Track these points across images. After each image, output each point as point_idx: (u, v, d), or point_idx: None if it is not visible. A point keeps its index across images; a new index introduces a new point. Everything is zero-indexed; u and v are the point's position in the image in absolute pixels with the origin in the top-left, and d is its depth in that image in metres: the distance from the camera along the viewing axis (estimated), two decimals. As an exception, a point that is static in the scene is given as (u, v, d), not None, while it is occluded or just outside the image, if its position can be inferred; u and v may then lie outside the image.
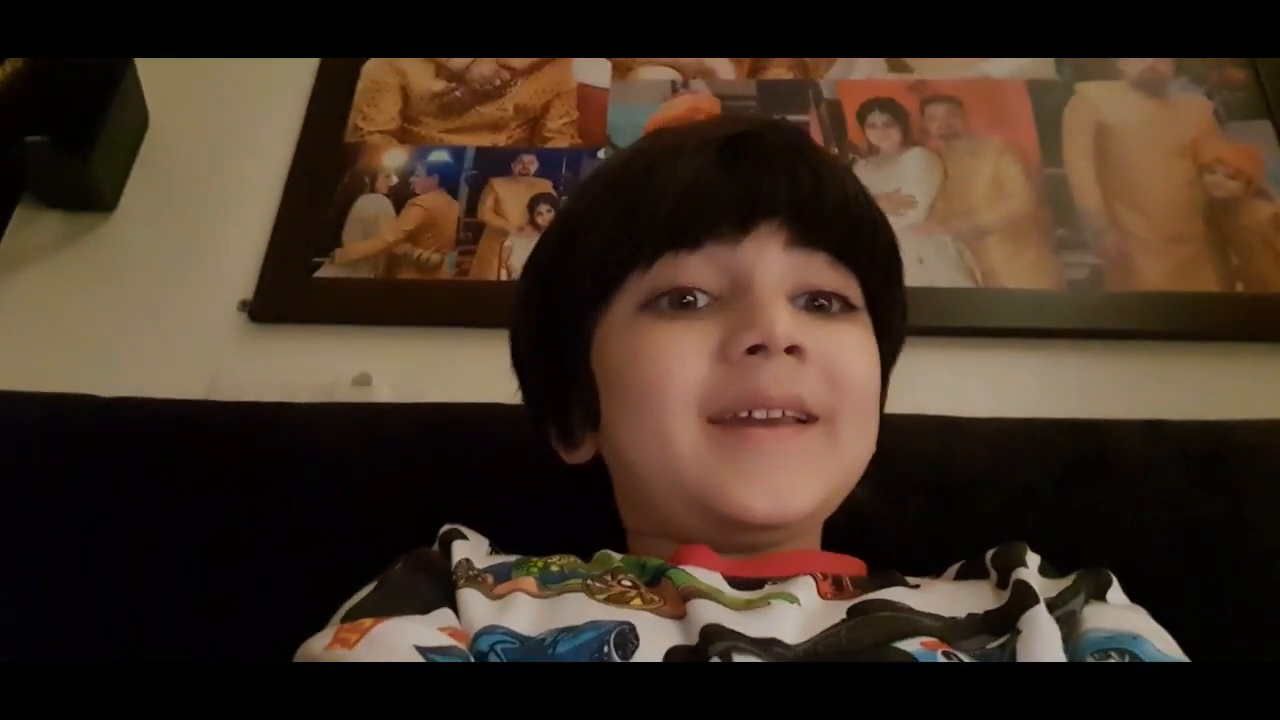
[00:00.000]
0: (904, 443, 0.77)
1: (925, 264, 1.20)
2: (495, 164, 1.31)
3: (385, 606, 0.53)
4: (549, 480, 0.67)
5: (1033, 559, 0.59)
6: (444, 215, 1.27)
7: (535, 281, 0.66)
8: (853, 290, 0.61)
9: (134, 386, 0.83)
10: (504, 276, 1.22)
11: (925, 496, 0.75)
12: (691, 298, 0.58)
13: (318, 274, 1.24)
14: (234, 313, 1.22)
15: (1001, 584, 0.57)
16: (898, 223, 1.21)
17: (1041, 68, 1.34)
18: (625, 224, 0.59)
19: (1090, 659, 0.51)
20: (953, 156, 1.28)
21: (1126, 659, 0.51)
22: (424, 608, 0.53)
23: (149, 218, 1.31)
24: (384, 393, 1.12)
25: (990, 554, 0.61)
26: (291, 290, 1.23)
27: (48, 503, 0.77)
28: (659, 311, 0.58)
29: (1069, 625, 0.53)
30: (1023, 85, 1.32)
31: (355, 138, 1.34)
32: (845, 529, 0.63)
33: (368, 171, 1.31)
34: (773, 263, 0.58)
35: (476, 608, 0.53)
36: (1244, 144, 1.27)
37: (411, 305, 1.21)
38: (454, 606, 0.54)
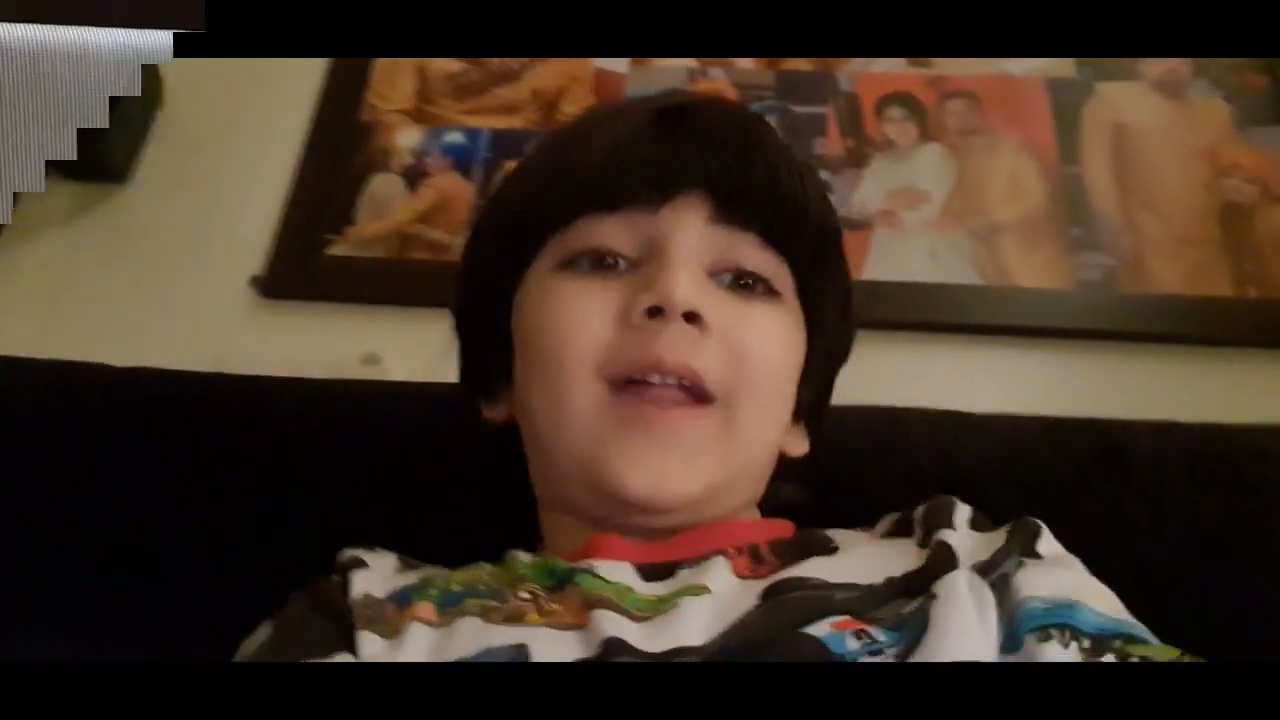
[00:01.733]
0: (914, 436, 0.77)
1: (938, 260, 1.20)
2: (510, 146, 1.30)
3: (281, 655, 0.54)
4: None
5: (961, 515, 0.57)
6: (457, 196, 1.27)
7: (470, 243, 0.68)
8: (780, 275, 0.60)
9: (143, 358, 0.83)
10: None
11: (934, 490, 0.75)
12: (611, 261, 0.58)
13: (329, 251, 1.24)
14: (244, 288, 1.23)
15: (924, 543, 0.56)
16: (912, 218, 1.23)
17: (1061, 66, 1.33)
18: (547, 184, 0.61)
19: (1032, 638, 0.48)
20: (969, 153, 1.28)
21: (1067, 635, 0.48)
22: (321, 654, 0.53)
23: (162, 190, 1.31)
24: (393, 372, 1.12)
25: (921, 510, 0.60)
26: (302, 267, 1.24)
27: (58, 469, 0.77)
28: (575, 271, 0.58)
29: (1003, 590, 0.51)
30: (1042, 83, 1.32)
31: (370, 116, 1.34)
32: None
33: (382, 150, 1.31)
34: (690, 233, 0.57)
35: (373, 651, 0.52)
36: (1262, 149, 1.26)
37: (422, 286, 1.21)
38: (353, 647, 0.53)
